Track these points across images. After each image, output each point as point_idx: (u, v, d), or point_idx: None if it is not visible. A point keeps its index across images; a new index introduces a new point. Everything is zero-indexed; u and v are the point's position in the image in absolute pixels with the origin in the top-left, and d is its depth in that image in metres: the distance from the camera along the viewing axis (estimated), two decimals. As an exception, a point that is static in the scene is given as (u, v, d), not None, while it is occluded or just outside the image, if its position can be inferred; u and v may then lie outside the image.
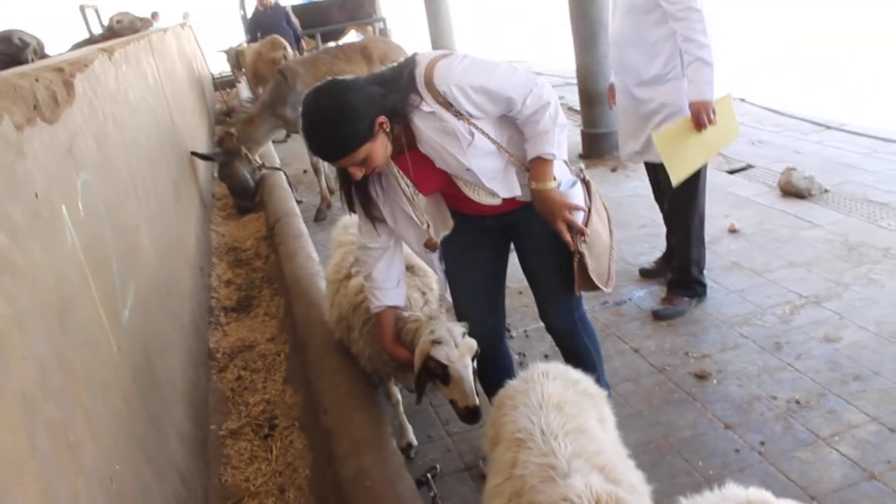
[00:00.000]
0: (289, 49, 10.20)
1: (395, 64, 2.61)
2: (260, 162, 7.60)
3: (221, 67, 15.95)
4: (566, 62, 9.35)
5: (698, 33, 3.74)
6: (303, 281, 4.73)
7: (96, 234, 2.67)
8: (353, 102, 2.38)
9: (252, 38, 11.63)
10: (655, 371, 3.89)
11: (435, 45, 14.43)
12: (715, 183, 5.78)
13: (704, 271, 4.56)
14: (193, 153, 7.05)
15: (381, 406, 3.42)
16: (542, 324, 3.21)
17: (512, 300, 4.49)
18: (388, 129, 2.47)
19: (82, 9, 12.22)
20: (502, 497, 1.99)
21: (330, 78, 2.50)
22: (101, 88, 3.46)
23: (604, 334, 4.25)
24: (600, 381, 2.77)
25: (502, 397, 2.41)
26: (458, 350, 2.72)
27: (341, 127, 2.38)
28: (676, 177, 3.98)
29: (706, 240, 4.69)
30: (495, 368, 3.11)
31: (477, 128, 2.53)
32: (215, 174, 8.01)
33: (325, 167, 7.24)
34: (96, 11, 12.50)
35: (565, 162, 2.77)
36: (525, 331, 4.45)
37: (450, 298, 3.18)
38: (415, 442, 3.55)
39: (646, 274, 4.93)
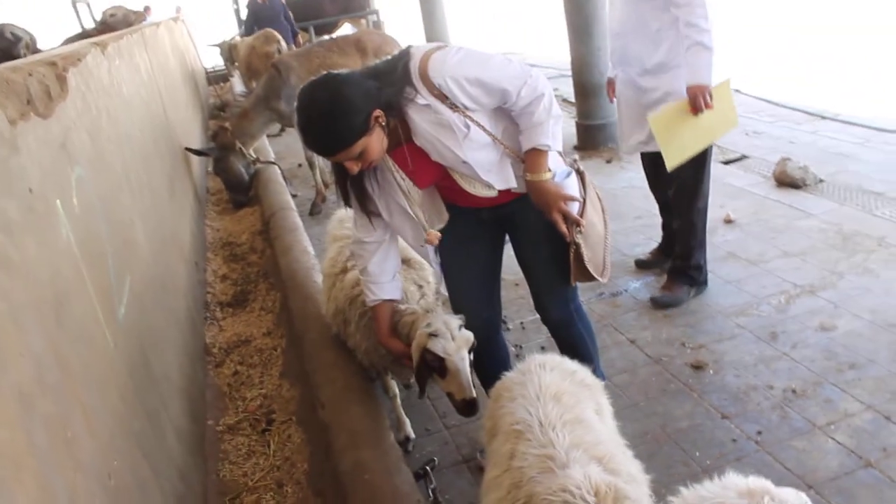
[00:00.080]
0: (282, 43, 10.15)
1: (390, 57, 2.60)
2: (254, 156, 7.58)
3: (214, 61, 15.89)
4: (561, 54, 9.33)
5: (699, 18, 3.75)
6: (298, 275, 4.72)
7: (91, 229, 2.66)
8: (348, 97, 2.37)
9: (248, 32, 11.53)
10: (652, 362, 3.90)
11: (429, 37, 14.40)
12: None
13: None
14: (188, 149, 7.02)
15: (379, 399, 3.42)
16: (538, 315, 3.22)
17: (508, 292, 4.49)
18: (383, 123, 2.46)
19: (74, 3, 12.16)
20: (501, 489, 1.99)
21: (325, 72, 2.50)
22: (94, 83, 3.44)
23: (600, 325, 4.25)
24: (596, 371, 2.77)
25: (499, 389, 2.41)
26: (455, 343, 2.72)
27: (337, 122, 2.37)
28: (671, 161, 3.98)
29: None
30: (492, 361, 3.11)
31: (472, 120, 2.53)
32: (210, 169, 7.99)
33: (320, 161, 7.22)
34: (88, 6, 12.45)
35: (559, 153, 2.77)
36: (521, 323, 4.45)
37: (445, 292, 3.18)
38: (412, 435, 3.55)
39: (641, 265, 4.93)
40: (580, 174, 2.85)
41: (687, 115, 3.89)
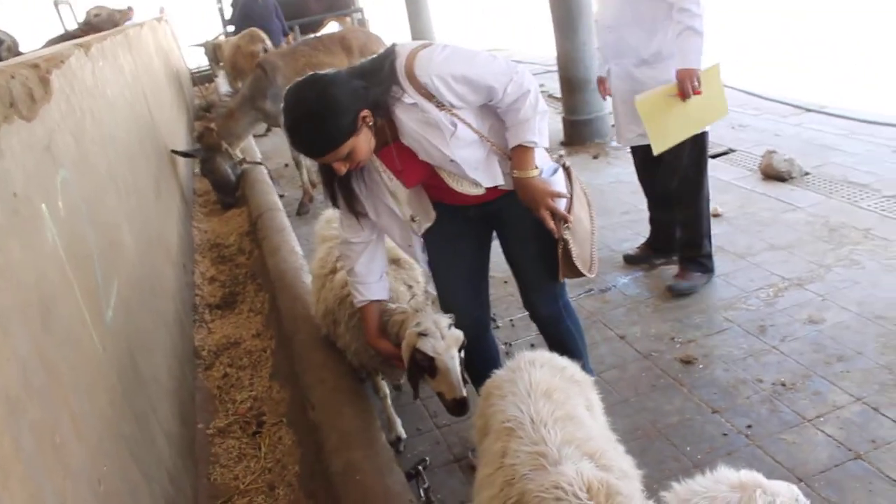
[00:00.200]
0: (268, 42, 10.09)
1: (375, 56, 2.58)
2: (241, 156, 7.55)
3: (199, 62, 15.80)
4: (546, 49, 9.34)
5: (691, 3, 3.78)
6: (287, 275, 4.70)
7: (77, 231, 2.64)
8: (336, 97, 2.36)
9: (239, 29, 11.38)
10: (641, 357, 3.90)
11: (414, 34, 14.39)
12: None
13: None
14: (174, 151, 6.98)
15: (369, 400, 3.41)
16: (527, 312, 3.22)
17: (497, 290, 4.50)
18: (371, 123, 2.46)
19: (56, 4, 12.05)
20: (493, 487, 1.99)
21: (311, 72, 2.48)
22: (77, 84, 3.41)
23: (589, 322, 4.26)
24: (585, 367, 2.77)
25: (489, 387, 2.41)
26: (445, 342, 2.71)
27: (325, 123, 2.36)
28: (657, 146, 4.00)
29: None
30: (482, 359, 3.11)
31: (459, 118, 2.53)
32: (196, 170, 7.95)
33: (307, 160, 7.18)
34: (71, 7, 12.34)
35: (545, 149, 2.77)
36: (511, 320, 4.45)
37: (434, 291, 3.17)
38: (404, 435, 3.55)
39: (630, 260, 4.94)
40: (566, 170, 2.85)
41: (675, 99, 3.90)
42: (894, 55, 9.22)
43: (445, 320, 2.77)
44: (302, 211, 7.21)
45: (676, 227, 4.72)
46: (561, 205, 2.71)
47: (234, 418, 3.81)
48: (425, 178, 2.74)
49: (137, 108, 5.65)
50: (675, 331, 4.09)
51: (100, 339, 2.52)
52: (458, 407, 2.74)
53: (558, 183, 2.74)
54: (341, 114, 2.36)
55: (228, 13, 13.93)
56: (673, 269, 4.72)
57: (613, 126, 7.45)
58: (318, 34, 11.47)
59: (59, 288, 2.24)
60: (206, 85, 14.46)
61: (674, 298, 4.41)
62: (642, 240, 5.02)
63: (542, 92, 9.20)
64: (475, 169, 2.63)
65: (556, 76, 8.04)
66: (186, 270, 5.47)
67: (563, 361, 2.47)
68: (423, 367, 2.75)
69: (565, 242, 2.73)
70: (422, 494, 2.90)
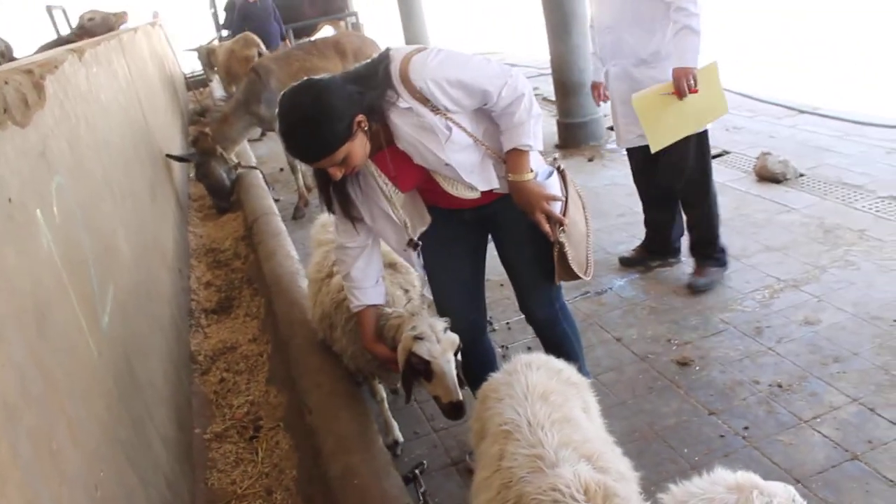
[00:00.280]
0: (262, 46, 10.09)
1: (369, 60, 2.58)
2: (236, 161, 7.55)
3: (193, 66, 15.78)
4: (540, 53, 9.34)
5: (689, 2, 3.80)
6: (283, 280, 4.70)
7: (72, 237, 2.64)
8: (330, 103, 2.36)
9: (236, 32, 11.34)
10: (638, 359, 3.91)
11: (408, 38, 14.39)
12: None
13: (681, 256, 4.76)
14: (169, 156, 6.98)
15: (366, 404, 3.41)
16: (523, 315, 3.22)
17: (493, 293, 4.49)
18: (366, 128, 2.45)
19: (49, 10, 12.02)
20: (491, 490, 1.99)
21: (305, 77, 2.48)
22: (72, 90, 3.41)
23: (586, 324, 4.26)
24: (581, 369, 2.78)
25: (486, 390, 2.41)
26: (441, 345, 2.71)
27: (320, 128, 2.36)
28: (655, 144, 4.03)
29: (685, 227, 4.74)
30: (478, 362, 3.11)
31: (454, 122, 2.53)
32: (191, 175, 7.94)
33: (302, 164, 7.18)
34: (64, 12, 12.30)
35: (540, 152, 2.77)
36: (507, 323, 4.45)
37: (430, 295, 3.17)
38: (401, 439, 3.54)
39: (626, 263, 4.95)
40: (561, 173, 2.86)
41: (671, 98, 3.92)
42: (894, 55, 9.23)
43: (441, 324, 2.77)
44: (297, 215, 7.21)
45: (672, 229, 4.75)
46: (556, 208, 2.71)
47: (231, 423, 3.80)
48: (420, 182, 2.74)
49: (132, 113, 5.65)
50: (671, 333, 4.10)
51: (96, 344, 2.52)
52: (455, 410, 2.74)
53: (553, 186, 2.74)
54: (336, 119, 2.36)
55: (222, 18, 13.91)
56: (668, 270, 4.74)
57: (608, 128, 7.54)
58: (313, 38, 11.46)
59: (55, 294, 2.24)
60: (201, 89, 14.43)
61: (673, 299, 4.42)
62: (638, 242, 5.03)
63: (537, 95, 9.21)
64: (470, 173, 2.63)
65: (550, 79, 8.04)
66: (182, 275, 5.46)
67: (560, 364, 2.47)
68: (419, 370, 2.75)
69: (561, 245, 2.74)
70: (419, 498, 2.90)
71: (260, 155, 9.43)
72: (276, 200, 7.28)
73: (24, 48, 8.51)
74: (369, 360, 3.16)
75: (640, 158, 4.52)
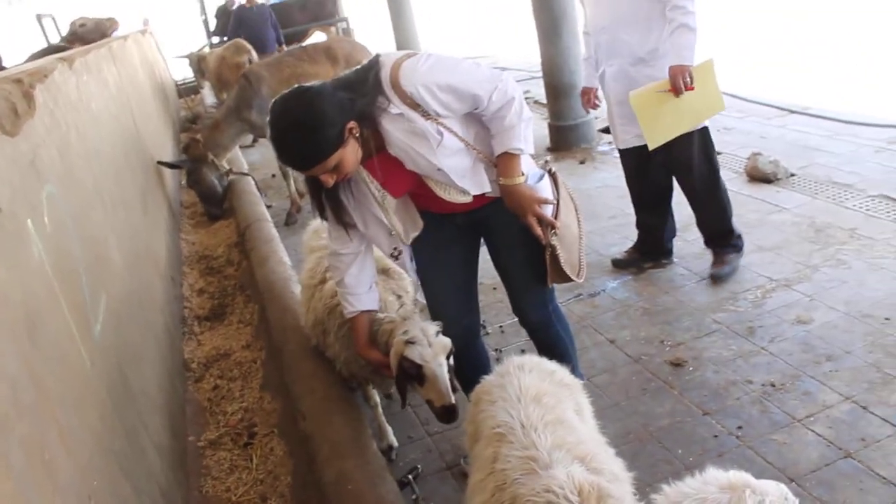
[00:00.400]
0: (253, 53, 10.08)
1: (359, 67, 2.58)
2: (227, 167, 7.54)
3: (184, 73, 15.77)
4: (530, 56, 9.35)
5: (685, 0, 3.82)
6: (276, 286, 4.69)
7: (63, 247, 2.63)
8: (322, 110, 2.36)
9: (232, 37, 11.30)
10: (632, 361, 3.91)
11: (399, 43, 14.41)
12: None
13: (674, 258, 4.77)
14: (160, 162, 6.96)
15: (360, 409, 3.41)
16: (517, 318, 3.22)
17: (486, 296, 4.50)
18: (357, 135, 2.46)
19: (39, 18, 11.99)
20: (485, 492, 1.99)
21: (296, 84, 2.48)
22: (62, 98, 3.41)
23: (579, 326, 4.26)
24: (575, 371, 2.78)
25: (479, 393, 2.41)
26: (432, 349, 2.71)
27: (312, 135, 2.36)
28: (652, 141, 4.04)
29: (677, 227, 4.77)
30: (472, 366, 3.11)
31: (445, 127, 2.53)
32: (183, 182, 7.92)
33: (294, 171, 7.18)
34: (53, 20, 12.28)
35: (531, 155, 2.78)
36: (500, 326, 4.46)
37: (423, 300, 3.17)
38: (395, 443, 3.54)
39: (618, 264, 4.95)
40: (552, 176, 2.87)
41: (668, 95, 3.94)
42: (894, 55, 9.27)
43: (433, 328, 2.77)
44: (290, 221, 7.21)
45: (665, 231, 4.75)
46: (547, 211, 2.72)
47: (226, 430, 3.80)
48: (412, 187, 2.74)
49: (123, 120, 5.64)
50: (664, 334, 4.10)
51: (88, 353, 2.51)
52: (448, 414, 2.74)
53: (544, 189, 2.75)
54: (328, 126, 2.36)
55: (213, 25, 13.90)
56: (661, 272, 4.75)
57: (600, 131, 7.56)
58: (303, 44, 11.47)
59: (46, 303, 2.24)
60: (192, 97, 14.43)
61: (666, 301, 4.42)
62: (630, 244, 5.03)
63: (528, 98, 9.23)
64: (462, 177, 2.64)
65: (541, 82, 8.06)
66: (175, 283, 5.45)
67: (552, 366, 2.48)
68: (412, 374, 2.75)
69: (553, 248, 2.74)
70: (414, 502, 2.90)
71: (252, 161, 9.43)
72: (269, 207, 7.28)
73: (14, 57, 8.49)
74: (363, 366, 3.16)
75: (634, 161, 4.54)
